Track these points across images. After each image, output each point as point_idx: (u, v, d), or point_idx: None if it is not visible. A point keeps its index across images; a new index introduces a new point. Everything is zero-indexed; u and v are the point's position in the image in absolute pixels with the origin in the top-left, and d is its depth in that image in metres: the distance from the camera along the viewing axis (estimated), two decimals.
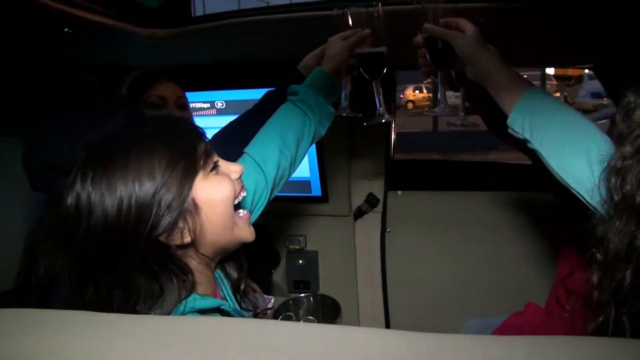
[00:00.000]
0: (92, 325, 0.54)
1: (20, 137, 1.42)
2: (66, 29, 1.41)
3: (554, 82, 19.63)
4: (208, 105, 2.15)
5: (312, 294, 2.37)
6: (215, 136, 1.54)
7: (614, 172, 0.73)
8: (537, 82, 18.26)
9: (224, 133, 1.55)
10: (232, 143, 1.29)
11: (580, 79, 18.65)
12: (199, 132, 1.01)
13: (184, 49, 1.77)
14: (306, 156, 2.18)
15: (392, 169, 2.36)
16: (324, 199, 2.28)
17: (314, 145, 2.14)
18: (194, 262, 0.96)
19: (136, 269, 0.88)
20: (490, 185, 2.26)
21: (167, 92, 1.66)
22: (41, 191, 1.24)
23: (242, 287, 1.15)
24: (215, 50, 1.83)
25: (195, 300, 0.92)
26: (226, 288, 1.11)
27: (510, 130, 1.03)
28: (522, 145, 1.02)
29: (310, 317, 1.44)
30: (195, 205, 0.93)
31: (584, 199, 0.85)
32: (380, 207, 2.34)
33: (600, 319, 0.76)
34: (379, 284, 2.39)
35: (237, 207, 1.03)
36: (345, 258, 2.37)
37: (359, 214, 2.34)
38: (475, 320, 2.00)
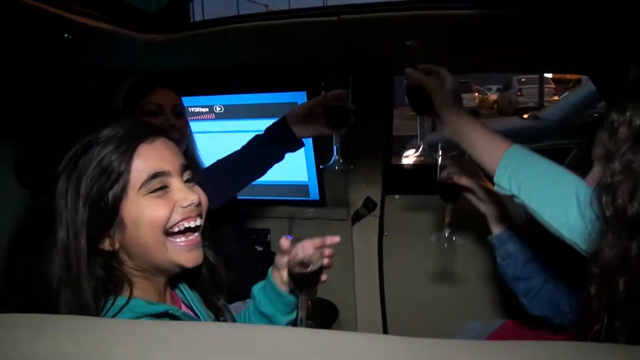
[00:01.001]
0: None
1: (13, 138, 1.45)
2: (66, 35, 1.42)
3: (552, 86, 19.67)
4: (207, 109, 2.16)
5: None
6: (203, 170, 1.61)
7: (604, 190, 0.76)
8: (535, 86, 18.43)
9: (209, 171, 1.58)
10: (212, 183, 1.29)
11: (578, 82, 18.67)
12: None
13: (182, 54, 1.78)
14: (303, 159, 2.20)
15: (389, 173, 2.37)
16: (321, 203, 2.29)
17: (312, 149, 2.16)
18: (132, 271, 1.02)
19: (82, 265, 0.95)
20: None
21: (163, 100, 1.68)
22: (27, 188, 1.31)
23: (216, 302, 1.20)
24: (214, 55, 1.84)
25: (141, 306, 0.98)
26: (192, 300, 1.15)
27: (496, 188, 1.07)
28: None
29: (310, 322, 1.44)
30: (122, 220, 0.99)
31: (578, 246, 0.89)
32: (377, 211, 2.34)
33: (596, 327, 0.78)
34: (377, 289, 2.39)
35: (181, 232, 1.04)
36: (343, 262, 2.37)
37: (357, 218, 2.34)
38: (472, 325, 2.01)
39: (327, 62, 1.94)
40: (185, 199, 1.03)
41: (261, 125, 2.13)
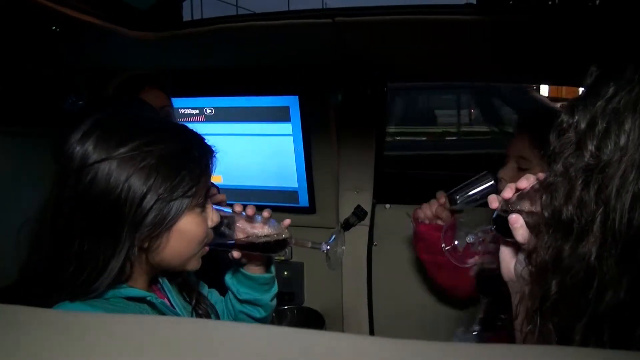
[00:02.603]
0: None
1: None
2: (54, 27, 1.39)
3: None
4: (197, 111, 2.13)
5: (296, 306, 2.34)
6: None
7: (545, 189, 0.76)
8: None
9: None
10: None
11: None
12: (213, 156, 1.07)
13: (173, 53, 1.76)
14: (293, 165, 2.18)
15: (381, 182, 2.34)
16: (311, 210, 2.26)
17: (302, 155, 2.14)
18: (137, 263, 1.00)
19: (101, 243, 0.93)
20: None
21: (152, 100, 1.65)
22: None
23: (194, 299, 1.20)
24: (205, 55, 1.82)
25: (123, 289, 0.98)
26: (170, 292, 1.15)
27: None
28: None
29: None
30: (170, 228, 0.98)
31: None
32: (367, 220, 2.31)
33: (528, 327, 0.78)
34: (365, 298, 2.36)
35: None
36: (331, 271, 2.34)
37: (346, 226, 2.31)
38: (460, 334, 1.99)
39: (320, 66, 1.92)
40: (213, 220, 1.08)
41: (252, 129, 2.13)
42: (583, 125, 0.71)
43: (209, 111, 2.13)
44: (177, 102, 1.99)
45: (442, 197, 1.74)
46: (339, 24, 1.46)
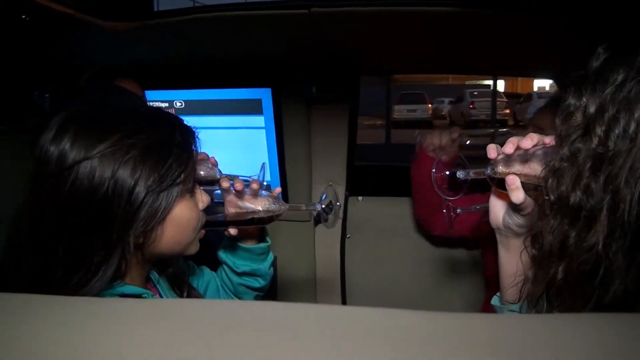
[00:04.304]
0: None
1: None
2: (23, 16, 1.34)
3: (504, 100, 20.25)
4: (166, 104, 2.09)
5: (269, 302, 2.32)
6: None
7: (551, 173, 0.75)
8: (487, 99, 18.98)
9: None
10: None
11: (529, 97, 19.36)
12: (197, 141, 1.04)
13: (145, 44, 1.72)
14: (266, 159, 2.16)
15: (353, 175, 2.34)
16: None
17: (275, 148, 2.12)
18: (132, 259, 0.96)
19: (92, 246, 0.88)
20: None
21: None
22: None
23: (185, 291, 1.16)
24: (177, 47, 1.78)
25: (119, 286, 0.94)
26: (163, 289, 1.12)
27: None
28: None
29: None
30: (163, 219, 0.94)
31: None
32: (340, 212, 2.31)
33: (533, 311, 0.79)
34: (338, 291, 2.36)
35: None
36: (305, 264, 2.33)
37: (319, 219, 2.30)
38: None
39: (294, 58, 1.90)
40: (203, 202, 1.05)
41: (223, 122, 2.09)
42: (592, 110, 0.70)
43: (179, 104, 2.09)
44: (146, 94, 1.95)
45: (456, 132, 1.74)
46: (314, 15, 1.44)
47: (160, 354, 0.41)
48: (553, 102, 1.73)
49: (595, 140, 0.68)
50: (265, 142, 2.12)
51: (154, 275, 1.10)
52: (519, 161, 0.93)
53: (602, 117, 0.68)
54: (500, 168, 0.96)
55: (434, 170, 1.24)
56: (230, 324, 0.47)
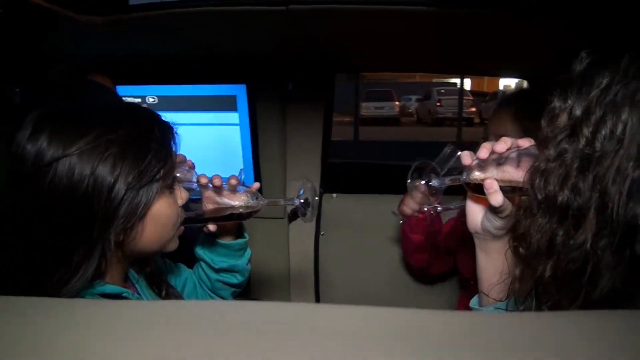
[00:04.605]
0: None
1: None
2: None
3: (470, 98, 20.53)
4: (139, 100, 2.06)
5: (243, 299, 2.31)
6: None
7: (537, 173, 0.77)
8: (454, 97, 19.22)
9: None
10: None
11: (495, 95, 19.66)
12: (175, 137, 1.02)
13: (119, 39, 1.68)
14: (240, 156, 2.14)
15: (327, 172, 2.35)
16: None
17: (249, 146, 2.11)
18: (112, 257, 0.94)
19: (72, 245, 0.87)
20: None
21: None
22: None
23: (164, 290, 1.15)
24: (152, 42, 1.75)
25: (99, 286, 0.92)
26: (142, 288, 1.11)
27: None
28: None
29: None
30: (144, 216, 0.93)
31: None
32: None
33: (521, 308, 0.80)
34: (312, 288, 2.36)
35: None
36: (279, 261, 2.33)
37: (294, 216, 2.30)
38: None
39: (270, 54, 1.89)
40: (182, 198, 1.04)
41: (197, 118, 2.07)
42: (578, 112, 0.72)
43: (152, 100, 2.06)
44: (118, 90, 1.91)
45: (421, 186, 1.74)
46: (292, 12, 1.44)
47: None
48: (507, 102, 1.73)
49: (582, 141, 0.70)
50: (239, 139, 2.10)
51: (133, 274, 1.08)
52: (494, 165, 0.95)
53: (588, 119, 0.70)
54: (476, 173, 0.97)
55: (409, 181, 1.25)
56: (206, 325, 0.47)
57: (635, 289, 0.67)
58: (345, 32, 1.57)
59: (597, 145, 0.68)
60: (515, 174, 0.93)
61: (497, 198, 0.92)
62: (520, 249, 0.81)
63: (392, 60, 2.13)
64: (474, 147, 1.70)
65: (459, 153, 1.64)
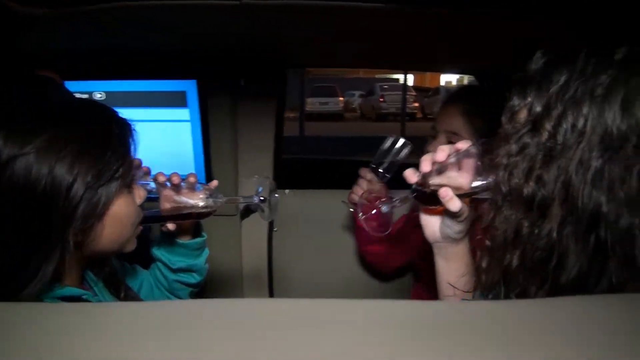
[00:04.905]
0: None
1: None
2: None
3: (413, 93, 20.85)
4: (86, 96, 1.99)
5: (195, 298, 2.28)
6: None
7: (501, 168, 0.80)
8: (397, 92, 19.48)
9: None
10: None
11: (437, 91, 20.09)
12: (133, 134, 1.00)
13: (62, 32, 1.62)
14: (191, 153, 2.10)
15: (280, 168, 2.33)
16: None
17: (200, 142, 2.07)
18: (70, 259, 0.91)
19: (30, 246, 0.84)
20: None
21: None
22: None
23: (122, 292, 1.13)
24: (101, 36, 1.69)
25: (57, 289, 0.90)
26: (100, 290, 1.07)
27: None
28: None
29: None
30: (103, 216, 0.91)
31: None
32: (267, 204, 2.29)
33: (490, 297, 0.83)
34: (266, 286, 2.34)
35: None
36: (231, 259, 2.29)
37: (246, 213, 2.28)
38: None
39: (221, 49, 1.86)
40: (140, 197, 1.02)
41: (146, 115, 2.02)
42: (538, 108, 0.76)
43: (99, 96, 1.99)
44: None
45: (367, 173, 1.76)
46: (245, 6, 1.42)
47: None
48: (455, 98, 1.76)
49: (545, 135, 0.74)
50: (190, 135, 2.06)
51: (91, 276, 1.05)
52: (438, 174, 0.97)
53: (549, 114, 0.74)
54: (436, 180, 0.98)
55: (361, 215, 1.26)
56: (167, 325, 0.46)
57: (600, 272, 0.70)
58: (296, 27, 1.56)
59: (560, 138, 0.72)
60: (460, 176, 0.96)
61: (455, 204, 0.94)
62: (487, 241, 0.83)
63: (344, 56, 2.14)
64: (417, 142, 1.77)
65: (403, 141, 1.68)
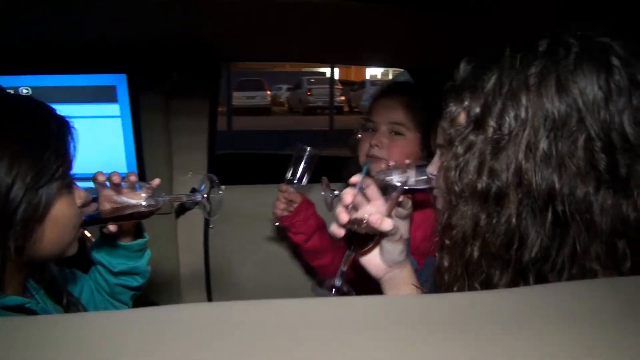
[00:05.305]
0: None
1: None
2: None
3: (340, 87, 21.02)
4: (11, 91, 1.88)
5: None
6: None
7: (450, 169, 0.84)
8: (324, 86, 19.60)
9: None
10: None
11: (363, 84, 20.35)
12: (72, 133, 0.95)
13: None
14: (122, 150, 2.03)
15: (214, 164, 2.30)
16: None
17: (131, 138, 2.01)
18: (10, 265, 0.87)
19: None
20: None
21: None
22: None
23: (64, 299, 1.09)
24: (21, 28, 1.60)
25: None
26: (42, 298, 1.03)
27: None
28: None
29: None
30: (43, 219, 0.88)
31: None
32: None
33: (455, 288, 0.85)
34: (203, 284, 2.31)
35: None
36: (167, 258, 2.24)
37: (181, 210, 2.23)
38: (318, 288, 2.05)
39: (152, 43, 1.81)
40: (80, 198, 0.98)
41: (75, 110, 1.92)
42: (477, 109, 0.80)
43: (25, 91, 1.89)
44: None
45: (284, 188, 1.82)
46: None
47: None
48: (395, 90, 1.80)
49: (489, 131, 0.78)
50: (121, 132, 2.00)
51: (32, 283, 1.00)
52: (356, 212, 1.01)
53: (490, 111, 0.78)
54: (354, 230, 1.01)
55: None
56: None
57: (561, 242, 0.75)
58: (227, 19, 1.53)
59: (505, 129, 0.77)
60: (373, 205, 1.01)
61: (387, 223, 0.97)
62: (446, 240, 0.86)
63: (277, 49, 2.13)
64: (346, 135, 1.81)
65: (307, 150, 1.73)
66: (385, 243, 1.02)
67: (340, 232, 1.01)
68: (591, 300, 0.51)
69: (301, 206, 1.84)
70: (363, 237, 1.00)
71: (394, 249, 1.02)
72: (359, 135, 1.78)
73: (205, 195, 1.27)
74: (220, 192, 1.31)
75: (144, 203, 1.13)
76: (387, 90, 1.82)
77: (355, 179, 1.01)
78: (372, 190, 1.00)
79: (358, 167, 1.75)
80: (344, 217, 0.99)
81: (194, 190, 2.19)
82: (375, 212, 0.98)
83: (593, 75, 0.74)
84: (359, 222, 1.00)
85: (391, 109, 1.70)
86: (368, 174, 1.03)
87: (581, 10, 1.22)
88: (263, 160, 2.71)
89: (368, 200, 1.02)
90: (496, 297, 0.55)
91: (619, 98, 0.73)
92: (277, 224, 1.91)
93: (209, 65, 2.10)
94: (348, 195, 0.99)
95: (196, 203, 1.32)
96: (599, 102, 0.73)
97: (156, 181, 1.18)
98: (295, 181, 1.79)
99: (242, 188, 2.35)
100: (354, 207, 1.00)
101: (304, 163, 1.78)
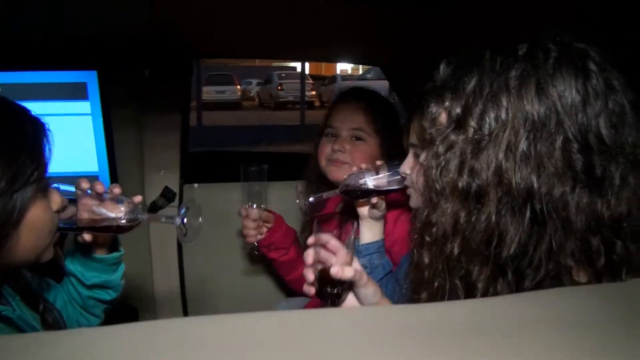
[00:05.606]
0: None
1: None
2: None
3: (311, 82, 21.00)
4: None
5: None
6: None
7: (431, 168, 0.86)
8: (294, 81, 19.53)
9: None
10: None
11: (333, 79, 20.38)
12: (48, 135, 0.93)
13: None
14: (94, 149, 1.99)
15: (187, 162, 2.27)
16: None
17: (102, 136, 1.96)
18: None
19: None
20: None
21: None
22: None
23: (41, 305, 1.06)
24: None
25: None
26: (18, 305, 1.01)
27: None
28: None
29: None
30: (18, 224, 0.85)
31: None
32: (177, 201, 2.22)
33: (435, 284, 0.87)
34: (177, 283, 2.28)
35: None
36: (140, 258, 2.20)
37: (154, 209, 2.19)
38: (282, 304, 2.05)
39: (123, 39, 1.77)
40: (55, 203, 0.95)
41: (44, 108, 1.88)
42: (458, 109, 0.82)
43: None
44: None
45: (247, 212, 1.81)
46: None
47: None
48: (353, 96, 1.81)
49: (470, 131, 0.80)
50: (92, 130, 1.95)
51: (8, 290, 0.97)
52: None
53: (471, 112, 0.80)
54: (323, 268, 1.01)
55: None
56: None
57: (538, 239, 0.77)
58: (198, 15, 1.51)
59: (485, 130, 0.79)
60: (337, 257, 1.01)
61: (348, 272, 0.96)
62: (426, 237, 0.87)
63: (249, 46, 2.11)
64: (315, 130, 1.81)
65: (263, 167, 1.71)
66: (356, 290, 1.03)
67: (311, 290, 1.03)
68: (585, 305, 0.51)
69: (277, 224, 1.84)
70: (333, 289, 1.01)
71: (366, 292, 1.02)
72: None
73: (184, 220, 1.24)
74: (200, 220, 1.28)
75: (122, 219, 1.10)
76: (345, 96, 1.83)
77: (311, 240, 1.03)
78: (333, 244, 1.01)
79: (318, 167, 1.79)
80: (310, 276, 1.02)
81: (167, 190, 2.17)
82: (334, 264, 0.99)
83: (571, 79, 0.77)
84: (317, 267, 1.02)
85: (351, 115, 1.73)
86: (319, 229, 1.04)
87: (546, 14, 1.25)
88: (238, 158, 2.68)
89: (332, 252, 1.02)
90: (495, 305, 0.55)
91: (596, 102, 0.76)
92: (255, 251, 1.90)
93: (181, 62, 2.07)
94: (309, 256, 1.02)
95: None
96: (577, 105, 0.76)
97: (138, 198, 1.14)
98: (255, 205, 1.79)
99: (217, 186, 2.34)
100: (320, 262, 1.02)
101: (258, 181, 1.78)
